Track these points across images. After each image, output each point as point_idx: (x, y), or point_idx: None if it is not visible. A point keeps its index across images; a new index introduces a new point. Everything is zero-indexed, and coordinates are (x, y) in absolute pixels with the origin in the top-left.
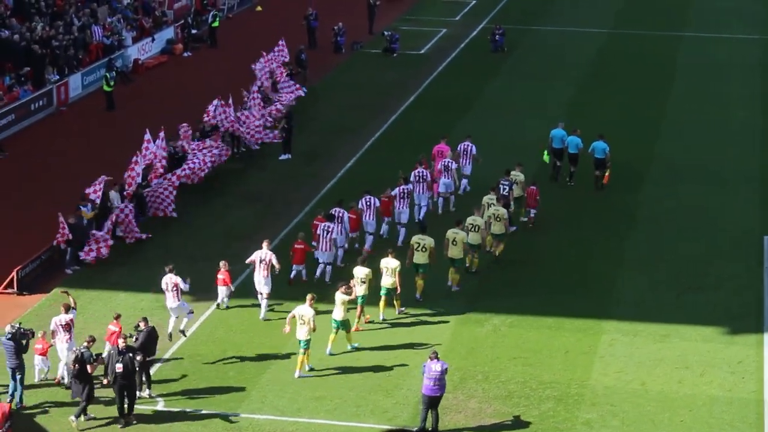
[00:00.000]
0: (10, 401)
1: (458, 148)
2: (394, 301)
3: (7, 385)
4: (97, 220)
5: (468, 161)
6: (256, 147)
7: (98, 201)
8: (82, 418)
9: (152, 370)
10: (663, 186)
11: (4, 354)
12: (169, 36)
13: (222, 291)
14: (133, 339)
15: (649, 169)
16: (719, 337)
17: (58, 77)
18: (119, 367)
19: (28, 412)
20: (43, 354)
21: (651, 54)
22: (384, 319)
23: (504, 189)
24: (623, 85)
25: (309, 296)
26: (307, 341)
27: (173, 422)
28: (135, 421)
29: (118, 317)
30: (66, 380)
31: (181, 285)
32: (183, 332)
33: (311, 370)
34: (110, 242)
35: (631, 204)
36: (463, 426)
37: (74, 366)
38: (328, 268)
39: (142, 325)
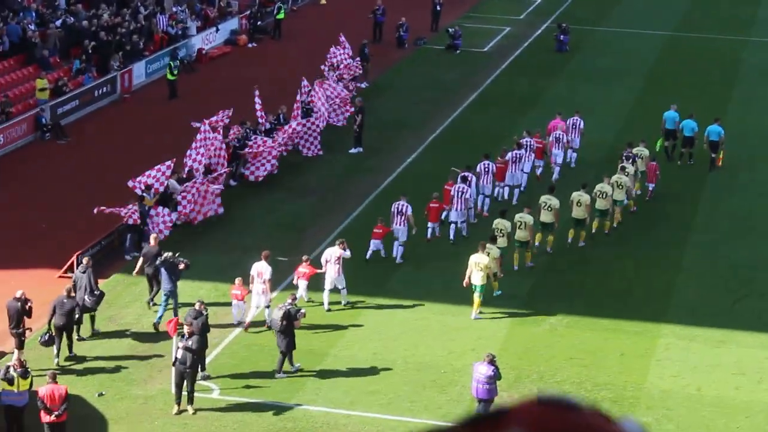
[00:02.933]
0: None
1: (568, 122)
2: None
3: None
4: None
5: (577, 134)
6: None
7: (160, 188)
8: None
9: (208, 359)
10: (720, 192)
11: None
12: (234, 27)
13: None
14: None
15: (706, 175)
16: None
17: (119, 65)
18: (180, 353)
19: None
20: (241, 299)
21: (715, 57)
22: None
23: (628, 160)
24: (683, 89)
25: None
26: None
27: (228, 412)
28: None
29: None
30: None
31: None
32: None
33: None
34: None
35: (688, 210)
36: None
37: (282, 321)
38: (463, 225)
39: (198, 306)
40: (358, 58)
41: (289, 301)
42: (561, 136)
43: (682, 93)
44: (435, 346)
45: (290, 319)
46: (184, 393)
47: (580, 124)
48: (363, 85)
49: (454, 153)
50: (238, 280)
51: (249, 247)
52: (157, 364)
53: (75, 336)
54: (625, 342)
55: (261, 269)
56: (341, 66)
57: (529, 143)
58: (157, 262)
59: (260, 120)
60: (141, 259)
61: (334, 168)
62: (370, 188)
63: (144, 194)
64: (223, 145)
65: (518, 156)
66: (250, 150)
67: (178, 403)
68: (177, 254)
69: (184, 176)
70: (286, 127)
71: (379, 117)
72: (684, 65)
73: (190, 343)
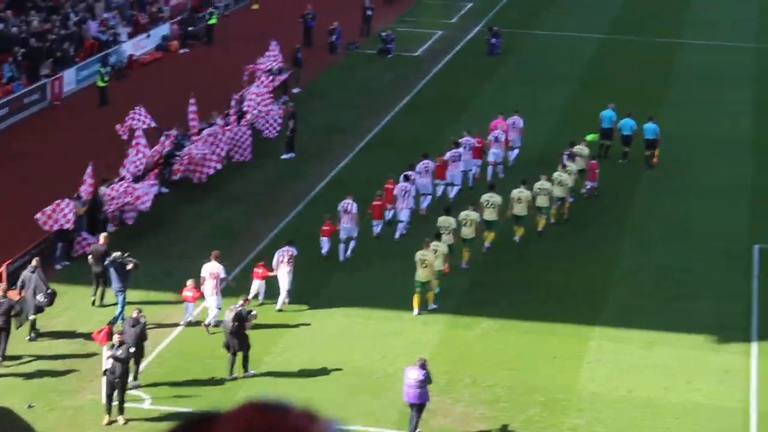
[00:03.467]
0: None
1: (508, 122)
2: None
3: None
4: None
5: (517, 133)
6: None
7: (88, 197)
8: (242, 372)
9: (140, 367)
10: (653, 193)
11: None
12: (165, 32)
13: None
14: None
15: (640, 177)
16: (707, 346)
17: (49, 72)
18: (109, 363)
19: None
20: (193, 301)
21: (647, 60)
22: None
23: (565, 159)
24: (618, 91)
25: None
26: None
27: (159, 421)
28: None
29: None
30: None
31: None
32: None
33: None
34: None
35: (621, 211)
36: (449, 430)
37: (233, 323)
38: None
39: (135, 314)
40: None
41: (240, 302)
42: (500, 136)
43: (615, 95)
44: (369, 351)
45: (241, 320)
46: (115, 403)
47: (519, 124)
48: (295, 91)
49: (387, 157)
50: (190, 282)
51: (182, 255)
52: (88, 374)
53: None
54: (557, 344)
55: (213, 269)
56: (267, 73)
57: (468, 142)
58: (106, 262)
59: (192, 126)
60: (90, 257)
61: (267, 174)
62: (303, 193)
63: (75, 202)
64: (149, 151)
65: (457, 155)
66: (182, 160)
67: (109, 414)
68: (126, 254)
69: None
70: (219, 132)
71: (312, 122)
72: (617, 68)
73: (119, 352)
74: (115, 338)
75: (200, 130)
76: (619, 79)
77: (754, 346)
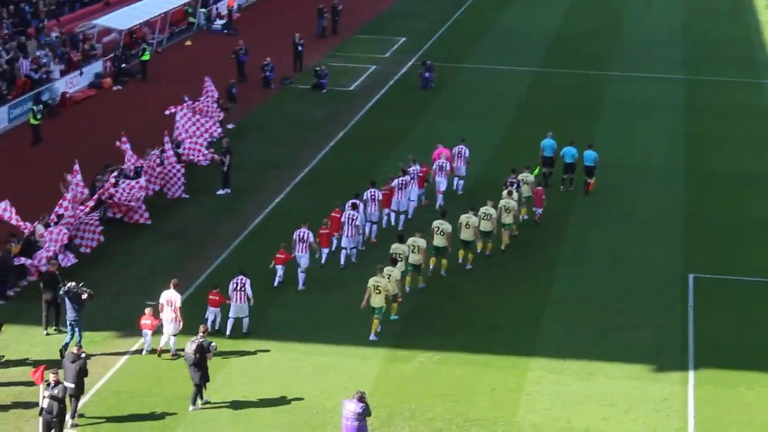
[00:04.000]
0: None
1: (453, 151)
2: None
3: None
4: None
5: (462, 162)
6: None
7: (25, 233)
8: (199, 402)
9: (78, 405)
10: (588, 223)
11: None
12: (98, 70)
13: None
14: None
15: (572, 207)
16: (644, 375)
17: None
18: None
19: None
20: (151, 329)
21: (578, 91)
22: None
23: (513, 186)
24: (551, 122)
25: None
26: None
27: None
28: None
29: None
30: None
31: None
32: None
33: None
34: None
35: (556, 241)
36: None
37: (195, 355)
38: (353, 251)
39: (75, 350)
40: (216, 104)
41: (201, 333)
42: (444, 165)
43: (548, 127)
44: (307, 386)
45: (203, 351)
46: None
47: (465, 153)
48: (230, 126)
49: (322, 192)
50: (148, 310)
51: (119, 292)
52: (25, 414)
53: None
54: (496, 376)
55: (171, 297)
56: (203, 109)
57: (415, 171)
58: (61, 291)
59: (128, 163)
60: (42, 285)
61: (203, 210)
62: (239, 229)
63: (10, 241)
64: (85, 190)
65: (404, 183)
66: (119, 196)
67: None
68: (81, 284)
69: (51, 222)
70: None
71: (247, 157)
72: (549, 100)
73: (56, 391)
74: (51, 377)
75: (136, 170)
76: (552, 110)
77: (691, 375)
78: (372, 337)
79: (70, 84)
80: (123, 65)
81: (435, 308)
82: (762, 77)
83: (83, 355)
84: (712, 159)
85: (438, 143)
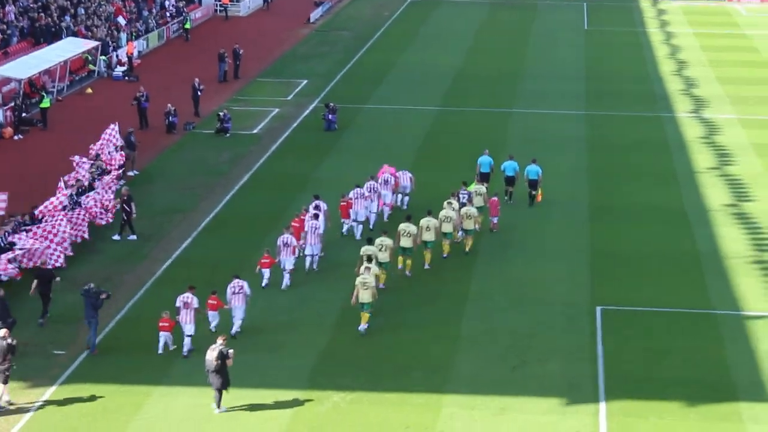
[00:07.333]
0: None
1: (399, 174)
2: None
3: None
4: None
5: (408, 182)
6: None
7: None
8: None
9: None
10: (494, 259)
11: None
12: None
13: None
14: None
15: (479, 243)
16: (557, 408)
17: None
18: None
19: None
20: (169, 330)
21: (481, 128)
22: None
23: (463, 198)
24: (454, 160)
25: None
26: None
27: None
28: None
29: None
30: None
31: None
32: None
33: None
34: None
35: (462, 279)
36: None
37: (216, 362)
38: (315, 258)
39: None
40: (120, 151)
41: (221, 341)
42: (390, 179)
43: (453, 164)
44: (221, 431)
45: (223, 358)
46: None
47: (409, 174)
48: (131, 174)
49: (229, 236)
50: (165, 314)
51: (25, 343)
52: None
53: None
54: (409, 415)
55: (187, 300)
56: (103, 158)
57: (372, 186)
58: (81, 291)
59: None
60: (35, 281)
61: (109, 257)
62: (146, 275)
63: None
64: None
65: (360, 194)
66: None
67: None
68: (98, 286)
69: None
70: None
71: (151, 204)
72: (454, 137)
73: None
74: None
75: (40, 218)
76: (455, 148)
77: (602, 406)
78: (361, 327)
79: None
80: (23, 114)
81: (346, 349)
82: (660, 110)
83: (10, 340)
84: (615, 192)
85: (384, 164)
